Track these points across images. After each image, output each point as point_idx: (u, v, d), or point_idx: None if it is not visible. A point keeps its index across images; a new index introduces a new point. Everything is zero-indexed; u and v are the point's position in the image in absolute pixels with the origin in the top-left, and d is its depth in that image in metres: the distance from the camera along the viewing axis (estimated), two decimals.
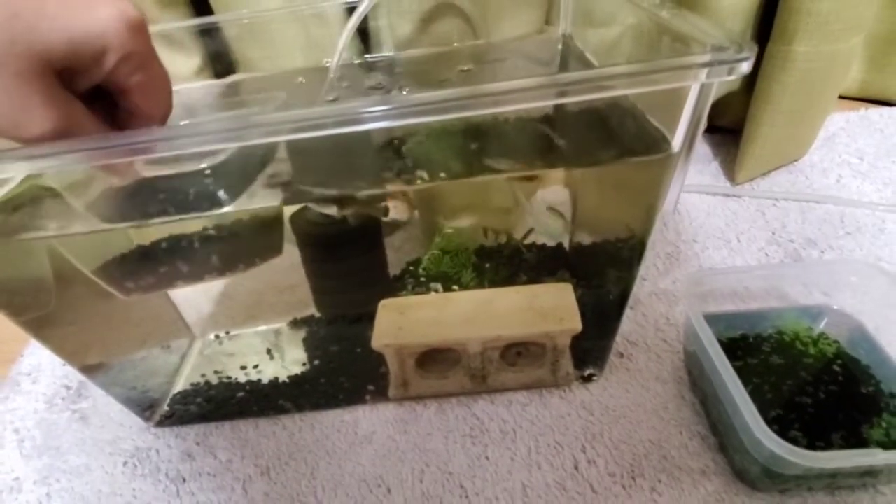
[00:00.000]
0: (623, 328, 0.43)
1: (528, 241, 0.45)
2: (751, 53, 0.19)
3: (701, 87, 0.20)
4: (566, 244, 0.45)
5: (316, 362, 0.41)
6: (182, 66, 0.52)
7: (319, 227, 0.37)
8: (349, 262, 0.39)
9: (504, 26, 0.49)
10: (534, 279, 0.42)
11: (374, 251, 0.40)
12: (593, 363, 0.38)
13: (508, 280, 0.42)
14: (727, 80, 0.19)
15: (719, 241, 0.50)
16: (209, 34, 0.50)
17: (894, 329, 0.34)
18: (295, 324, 0.44)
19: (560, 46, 0.42)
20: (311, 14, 0.48)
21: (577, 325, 0.34)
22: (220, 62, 0.52)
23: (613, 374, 0.39)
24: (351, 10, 0.42)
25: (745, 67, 0.19)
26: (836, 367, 0.33)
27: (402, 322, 0.35)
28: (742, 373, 0.33)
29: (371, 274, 0.41)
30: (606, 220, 0.38)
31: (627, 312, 0.44)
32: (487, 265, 0.42)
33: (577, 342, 0.36)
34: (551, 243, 0.45)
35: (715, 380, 0.31)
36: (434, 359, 0.38)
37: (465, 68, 0.41)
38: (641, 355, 0.40)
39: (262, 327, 0.45)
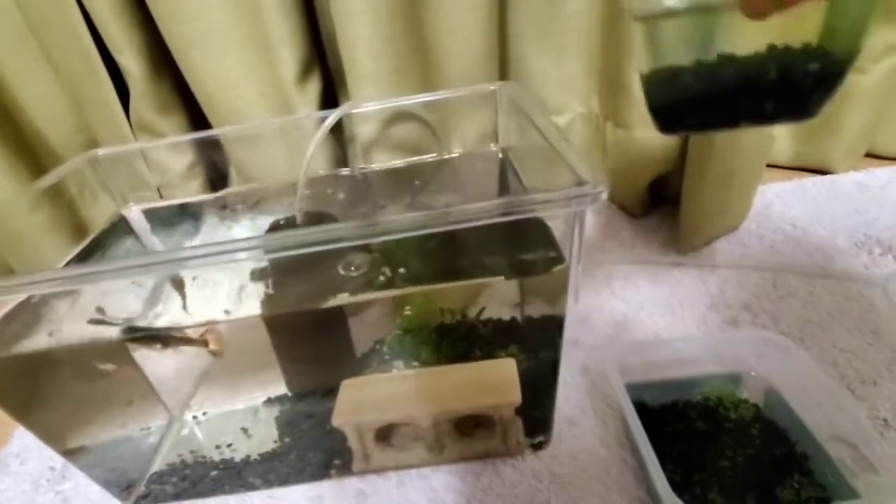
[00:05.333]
0: (573, 395, 0.46)
1: (483, 318, 0.49)
2: (605, 188, 0.24)
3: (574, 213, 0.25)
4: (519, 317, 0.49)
5: (287, 439, 0.44)
6: (177, 162, 0.58)
7: (290, 314, 0.41)
8: (315, 346, 0.43)
9: (461, 128, 0.56)
10: (488, 353, 0.46)
11: (338, 334, 0.44)
12: (542, 431, 0.41)
13: (464, 355, 0.45)
14: (591, 207, 0.24)
15: (664, 307, 0.54)
16: (204, 140, 0.57)
17: (807, 395, 0.37)
18: (269, 402, 0.47)
19: (500, 157, 0.49)
20: (291, 126, 0.55)
21: (516, 397, 0.37)
22: (211, 160, 0.59)
23: (563, 442, 0.42)
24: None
25: (604, 197, 0.24)
26: (753, 431, 0.36)
27: (360, 399, 0.39)
28: (671, 438, 0.36)
29: (336, 355, 0.44)
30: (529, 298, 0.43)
31: (578, 380, 0.48)
32: (445, 342, 0.46)
33: (525, 412, 0.39)
34: (506, 317, 0.49)
35: (639, 447, 0.34)
36: (396, 432, 0.41)
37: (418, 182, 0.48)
38: (589, 421, 0.43)
39: (239, 406, 0.48)
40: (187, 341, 0.36)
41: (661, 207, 0.68)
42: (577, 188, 0.24)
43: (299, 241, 0.27)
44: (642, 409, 0.39)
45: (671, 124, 0.28)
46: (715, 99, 0.26)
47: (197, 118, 0.62)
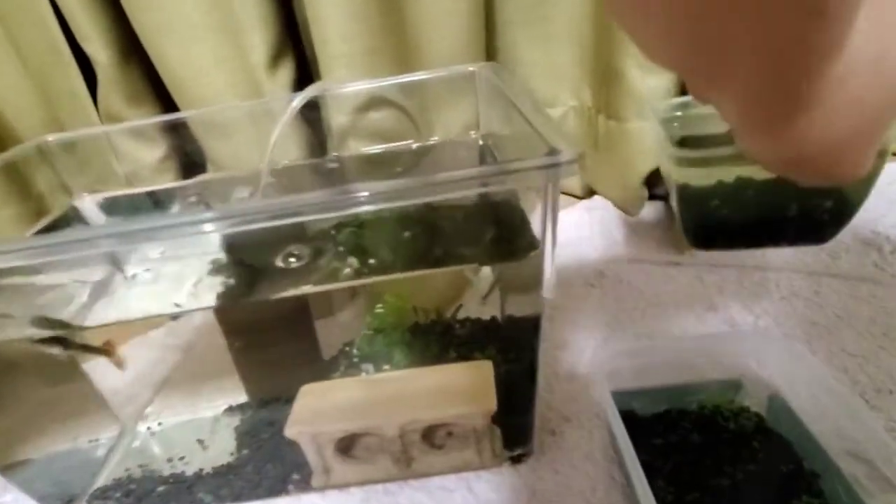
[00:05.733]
0: (558, 403, 0.42)
1: (460, 316, 0.45)
2: (576, 156, 0.20)
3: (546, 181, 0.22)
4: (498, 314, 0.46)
5: (244, 451, 0.40)
6: (145, 153, 0.56)
7: (244, 312, 0.38)
8: (275, 347, 0.39)
9: (441, 116, 0.53)
10: (465, 355, 0.42)
11: (301, 336, 0.40)
12: (521, 442, 0.37)
13: (439, 357, 0.42)
14: (564, 177, 0.21)
15: (658, 308, 0.50)
16: (173, 128, 0.54)
17: (816, 404, 0.33)
18: (230, 411, 0.43)
19: (480, 143, 0.46)
20: (262, 111, 0.52)
21: (490, 404, 0.33)
22: (184, 151, 0.56)
23: (545, 454, 0.38)
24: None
25: (576, 167, 0.21)
26: (755, 444, 0.33)
27: (319, 407, 0.35)
28: (662, 451, 0.32)
29: (300, 358, 0.41)
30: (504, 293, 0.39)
31: (563, 385, 0.44)
32: (418, 343, 0.42)
33: (503, 421, 0.35)
34: (482, 315, 0.46)
35: (626, 462, 0.30)
36: (358, 443, 0.37)
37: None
38: (574, 432, 0.40)
39: (199, 415, 0.44)
40: (89, 349, 0.32)
41: (658, 205, 0.65)
42: (550, 157, 0.21)
43: (264, 212, 0.23)
44: (631, 418, 0.36)
45: (703, 243, 0.32)
46: (741, 225, 0.30)
47: (168, 109, 0.60)
